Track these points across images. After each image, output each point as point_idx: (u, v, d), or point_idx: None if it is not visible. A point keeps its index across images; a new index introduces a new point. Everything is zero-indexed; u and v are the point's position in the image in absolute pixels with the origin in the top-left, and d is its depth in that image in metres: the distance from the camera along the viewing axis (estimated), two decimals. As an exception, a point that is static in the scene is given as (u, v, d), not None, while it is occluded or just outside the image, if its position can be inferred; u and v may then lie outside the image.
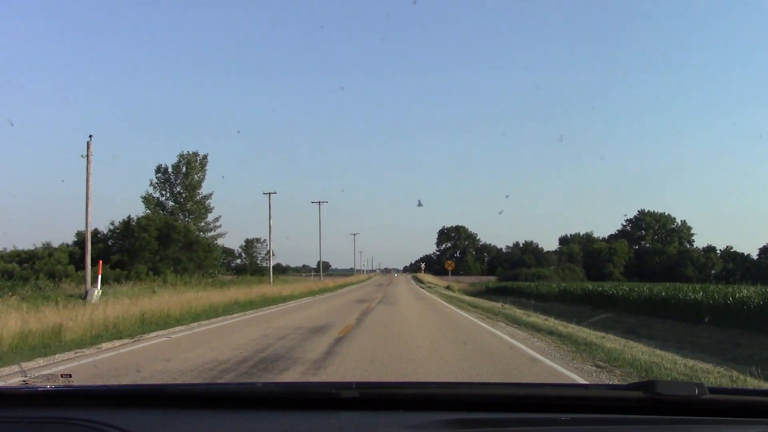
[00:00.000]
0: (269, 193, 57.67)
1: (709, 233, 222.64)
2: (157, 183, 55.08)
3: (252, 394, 2.37)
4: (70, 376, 3.20)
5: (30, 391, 2.39)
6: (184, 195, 54.70)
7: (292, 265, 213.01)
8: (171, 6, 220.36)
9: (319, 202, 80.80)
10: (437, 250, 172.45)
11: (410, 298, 35.59)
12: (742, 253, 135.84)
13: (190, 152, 55.34)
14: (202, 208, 55.22)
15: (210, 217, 56.44)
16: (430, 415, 2.01)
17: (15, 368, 9.22)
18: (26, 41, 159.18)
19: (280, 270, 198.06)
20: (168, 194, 54.92)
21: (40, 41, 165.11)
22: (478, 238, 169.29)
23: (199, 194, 55.54)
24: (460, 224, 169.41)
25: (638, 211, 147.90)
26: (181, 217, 54.65)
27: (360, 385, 2.22)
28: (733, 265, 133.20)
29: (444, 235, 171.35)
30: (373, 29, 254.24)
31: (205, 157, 55.94)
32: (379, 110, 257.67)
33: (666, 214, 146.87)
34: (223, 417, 2.12)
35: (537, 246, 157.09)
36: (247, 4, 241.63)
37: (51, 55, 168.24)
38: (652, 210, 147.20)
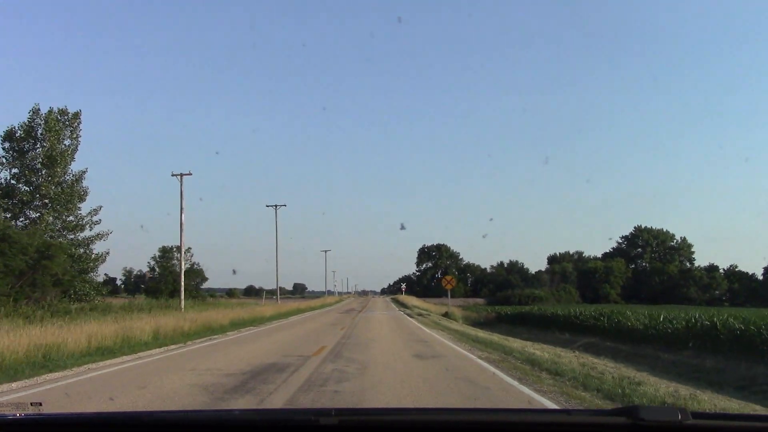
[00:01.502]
0: (180, 175, 36.59)
1: (704, 256, 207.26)
2: (4, 157, 33.67)
3: (229, 422, 2.29)
4: (41, 404, 2.96)
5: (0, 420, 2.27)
6: (42, 173, 33.29)
7: (267, 287, 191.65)
8: (150, 26, 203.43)
9: (275, 206, 59.82)
10: (417, 270, 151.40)
11: (404, 355, 13.97)
12: (747, 273, 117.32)
13: (56, 109, 34.09)
14: (69, 193, 33.71)
15: (84, 208, 35.07)
16: None
17: None
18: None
19: (253, 292, 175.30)
20: (19, 172, 33.49)
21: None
22: (460, 257, 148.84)
23: (69, 173, 34.28)
24: (442, 243, 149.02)
25: (634, 227, 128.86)
26: (40, 208, 33.34)
27: (340, 412, 2.14)
28: (738, 285, 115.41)
29: (425, 254, 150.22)
30: (357, 48, 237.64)
31: (76, 115, 34.31)
32: (361, 131, 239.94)
33: (664, 230, 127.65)
34: None
35: (523, 266, 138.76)
36: (228, 24, 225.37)
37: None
38: (648, 226, 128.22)
